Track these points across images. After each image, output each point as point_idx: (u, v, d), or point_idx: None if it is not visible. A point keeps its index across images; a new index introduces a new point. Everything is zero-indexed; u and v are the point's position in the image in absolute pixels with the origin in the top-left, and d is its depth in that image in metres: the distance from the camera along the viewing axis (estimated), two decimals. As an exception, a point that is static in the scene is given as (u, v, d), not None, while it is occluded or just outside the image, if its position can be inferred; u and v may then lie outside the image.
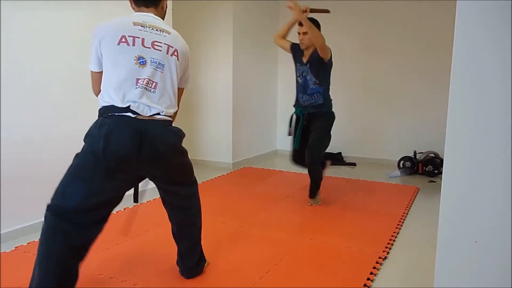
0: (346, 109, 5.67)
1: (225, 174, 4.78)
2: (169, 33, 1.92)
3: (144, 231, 2.87)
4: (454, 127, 1.48)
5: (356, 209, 3.48)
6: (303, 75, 3.41)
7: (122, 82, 1.77)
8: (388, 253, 2.59)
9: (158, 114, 1.83)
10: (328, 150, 5.77)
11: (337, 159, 5.54)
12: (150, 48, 1.83)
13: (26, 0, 2.71)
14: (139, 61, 1.80)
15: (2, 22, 2.59)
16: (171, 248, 2.60)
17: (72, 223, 1.70)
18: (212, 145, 5.30)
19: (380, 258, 2.49)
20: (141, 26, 1.84)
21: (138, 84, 1.78)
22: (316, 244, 2.70)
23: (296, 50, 3.47)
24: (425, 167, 4.78)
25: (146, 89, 1.80)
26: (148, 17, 1.91)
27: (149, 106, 1.80)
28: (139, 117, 1.78)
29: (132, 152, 1.75)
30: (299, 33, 3.35)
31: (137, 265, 2.37)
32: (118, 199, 1.89)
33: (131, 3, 1.98)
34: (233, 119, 5.16)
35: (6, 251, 2.50)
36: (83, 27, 3.03)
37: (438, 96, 4.95)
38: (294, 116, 3.57)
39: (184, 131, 2.00)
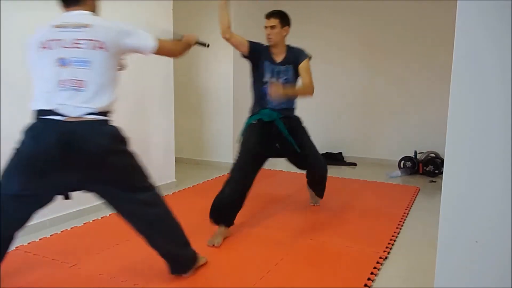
0: (346, 109, 5.67)
1: (226, 174, 4.78)
2: (90, 26, 1.84)
3: (145, 231, 2.87)
4: (455, 127, 1.48)
5: (357, 209, 3.48)
6: (280, 76, 2.95)
7: (48, 86, 1.80)
8: (388, 253, 2.59)
9: (89, 114, 1.81)
10: (328, 150, 5.82)
11: (338, 159, 5.53)
12: (71, 48, 1.81)
13: (26, 0, 2.72)
14: (61, 62, 1.80)
15: (2, 22, 2.59)
16: (172, 248, 2.60)
17: (10, 205, 1.84)
18: (212, 145, 5.30)
19: (380, 258, 2.49)
20: (62, 28, 1.84)
21: (63, 85, 1.79)
22: (316, 244, 2.70)
23: (260, 49, 2.96)
24: (426, 167, 4.78)
25: (75, 89, 1.79)
26: (71, 16, 1.88)
27: (77, 107, 1.79)
28: (67, 119, 1.78)
29: (59, 153, 1.77)
30: (266, 27, 2.92)
31: (137, 265, 2.37)
32: (53, 196, 1.94)
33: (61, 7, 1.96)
34: (234, 119, 5.16)
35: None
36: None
37: (439, 96, 4.95)
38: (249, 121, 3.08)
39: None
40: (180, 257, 2.20)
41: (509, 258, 1.41)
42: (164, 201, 2.12)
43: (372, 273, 2.30)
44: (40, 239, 2.73)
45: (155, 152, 3.92)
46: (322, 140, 5.92)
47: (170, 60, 4.02)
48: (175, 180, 4.21)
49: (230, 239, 2.77)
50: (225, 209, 2.75)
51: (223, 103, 5.17)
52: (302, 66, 2.98)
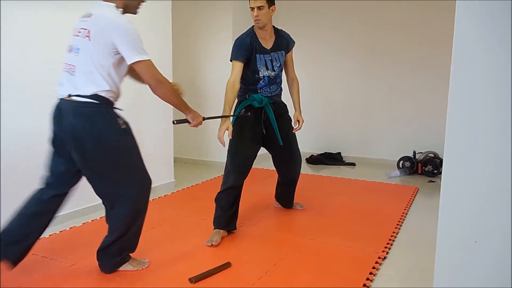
0: (345, 109, 5.68)
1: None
2: (91, 16, 2.01)
3: (144, 231, 2.87)
4: (454, 127, 1.48)
5: (356, 209, 3.48)
6: (274, 64, 2.86)
7: (63, 69, 2.08)
8: (387, 253, 2.59)
9: (75, 96, 2.00)
10: (327, 150, 5.82)
11: (337, 159, 5.54)
12: (75, 35, 2.04)
13: (26, 0, 2.71)
14: (68, 48, 2.06)
15: (2, 22, 2.58)
16: (171, 248, 2.60)
17: (47, 189, 2.15)
18: (212, 145, 5.29)
19: (379, 258, 2.49)
20: (83, 17, 2.05)
21: (64, 68, 2.05)
22: (316, 244, 2.70)
23: (250, 46, 2.76)
24: (425, 167, 4.78)
25: (69, 72, 2.02)
26: (94, 7, 2.05)
27: (68, 88, 2.01)
28: (63, 97, 2.04)
29: (54, 128, 2.06)
30: (252, 9, 2.70)
31: (137, 265, 2.36)
32: (71, 174, 2.13)
33: None
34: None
35: (5, 251, 2.50)
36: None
37: (438, 96, 4.95)
38: (242, 109, 2.94)
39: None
40: (109, 255, 2.23)
41: (508, 258, 1.41)
42: (132, 205, 2.17)
43: (371, 273, 2.30)
44: (38, 239, 2.72)
45: (154, 152, 3.92)
46: (321, 140, 5.94)
47: (169, 60, 4.02)
48: (174, 180, 4.21)
49: (229, 238, 2.77)
50: (229, 218, 2.83)
51: (222, 103, 5.15)
52: (290, 54, 3.01)
